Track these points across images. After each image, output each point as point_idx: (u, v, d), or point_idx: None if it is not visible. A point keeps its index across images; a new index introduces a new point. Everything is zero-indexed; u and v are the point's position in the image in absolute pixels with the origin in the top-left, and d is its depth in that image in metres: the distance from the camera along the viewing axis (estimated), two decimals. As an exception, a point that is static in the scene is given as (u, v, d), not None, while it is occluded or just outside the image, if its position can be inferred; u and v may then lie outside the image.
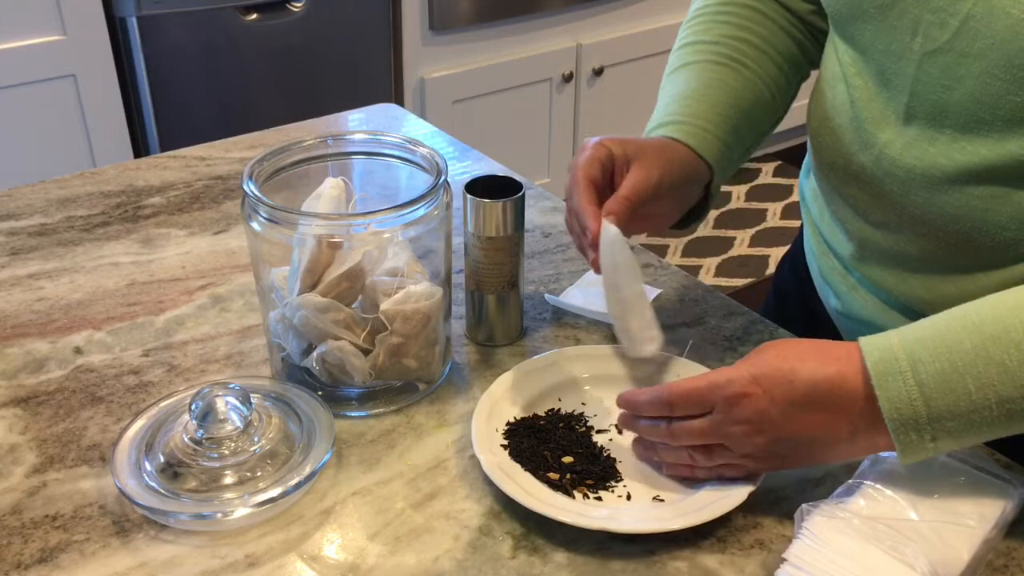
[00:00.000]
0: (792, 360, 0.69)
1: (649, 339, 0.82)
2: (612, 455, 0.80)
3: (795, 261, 1.05)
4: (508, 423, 0.82)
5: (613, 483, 0.77)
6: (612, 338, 0.95)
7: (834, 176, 0.85)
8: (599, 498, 0.76)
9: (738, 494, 0.73)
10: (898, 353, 0.67)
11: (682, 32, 0.96)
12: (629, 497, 0.76)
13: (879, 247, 0.83)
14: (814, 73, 0.95)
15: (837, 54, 0.84)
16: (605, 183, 0.81)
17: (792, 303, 1.06)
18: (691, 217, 0.91)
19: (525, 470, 0.77)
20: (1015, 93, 0.68)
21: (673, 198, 0.86)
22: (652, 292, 1.02)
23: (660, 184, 0.81)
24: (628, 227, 0.79)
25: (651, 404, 0.74)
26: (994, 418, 0.65)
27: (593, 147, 0.81)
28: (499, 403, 0.83)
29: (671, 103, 0.89)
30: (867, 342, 0.68)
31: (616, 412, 0.85)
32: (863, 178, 0.81)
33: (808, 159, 0.96)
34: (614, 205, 0.78)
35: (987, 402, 0.65)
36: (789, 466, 0.74)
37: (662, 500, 0.75)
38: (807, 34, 0.95)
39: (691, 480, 0.76)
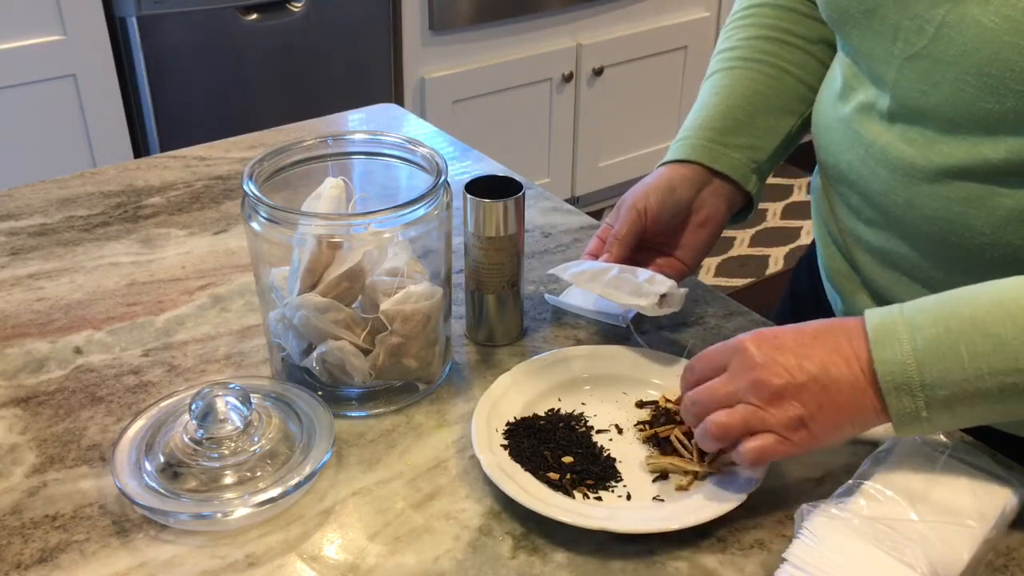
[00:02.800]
0: (791, 326, 0.72)
1: (659, 282, 0.86)
2: (612, 455, 0.80)
3: (812, 262, 1.06)
4: (508, 423, 0.82)
5: (613, 483, 0.77)
6: (612, 338, 0.95)
7: (830, 175, 0.87)
8: (599, 498, 0.76)
9: (738, 494, 0.73)
10: (897, 318, 0.68)
11: (718, 42, 1.03)
12: (629, 497, 0.76)
13: (871, 246, 0.84)
14: None
15: (837, 55, 0.86)
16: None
17: (806, 304, 1.05)
18: (744, 212, 0.99)
19: (525, 470, 0.77)
20: (986, 100, 0.69)
21: (698, 208, 0.93)
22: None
23: (656, 214, 0.90)
24: (681, 239, 0.94)
25: (683, 382, 0.76)
26: (987, 390, 0.65)
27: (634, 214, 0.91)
28: (499, 403, 0.83)
29: (687, 119, 0.98)
30: (871, 310, 0.70)
31: (616, 412, 0.85)
32: (851, 176, 0.83)
33: None
34: (614, 249, 0.90)
35: (979, 372, 0.65)
36: (810, 426, 0.69)
37: (662, 500, 0.75)
38: None
39: (727, 449, 0.72)
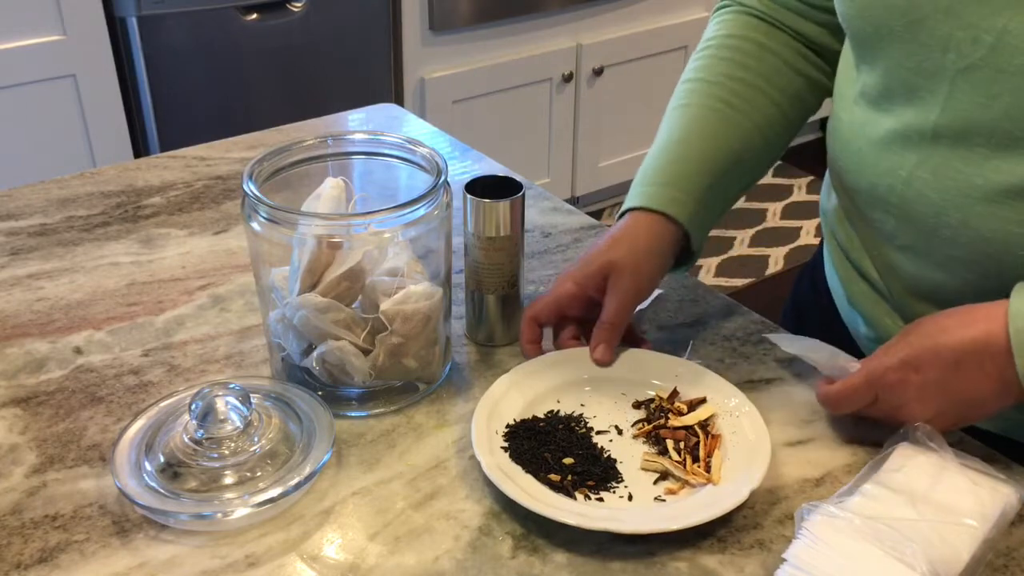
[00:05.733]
0: (935, 335, 0.73)
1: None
2: (612, 456, 0.80)
3: (815, 278, 1.03)
4: (508, 425, 0.82)
5: (614, 484, 0.77)
6: (612, 338, 0.95)
7: (858, 200, 0.84)
8: (600, 499, 0.76)
9: (738, 494, 0.73)
10: None
11: (690, 63, 0.97)
12: (630, 498, 0.76)
13: (905, 273, 0.82)
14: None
15: (859, 75, 0.82)
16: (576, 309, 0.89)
17: (810, 322, 1.03)
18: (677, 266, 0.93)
19: (526, 472, 0.77)
20: None
21: (656, 271, 0.88)
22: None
23: (639, 292, 0.87)
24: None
25: (823, 401, 0.81)
26: None
27: (556, 291, 0.88)
28: (499, 404, 0.83)
29: (659, 155, 0.91)
30: (1016, 304, 0.69)
31: (615, 413, 0.85)
32: (891, 200, 0.79)
33: (828, 179, 0.95)
34: (602, 334, 0.87)
35: None
36: (960, 424, 0.77)
37: (663, 500, 0.75)
38: (817, 63, 0.94)
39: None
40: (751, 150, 0.91)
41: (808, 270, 1.07)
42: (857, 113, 0.82)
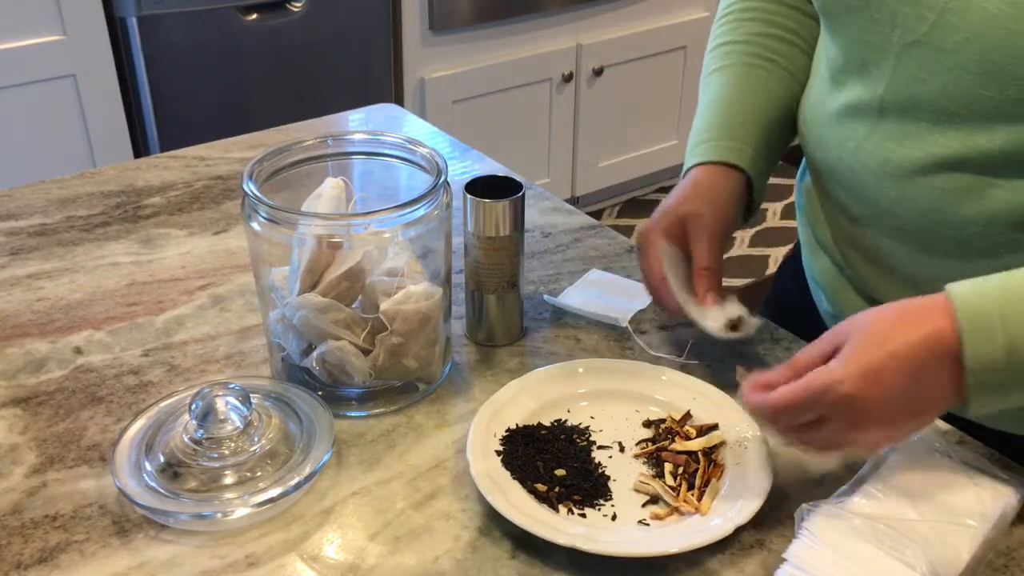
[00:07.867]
0: (886, 341, 0.65)
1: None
2: (607, 472, 0.78)
3: (796, 264, 1.05)
4: (508, 429, 0.81)
5: (601, 501, 0.76)
6: (612, 338, 0.95)
7: (818, 170, 0.87)
8: (583, 515, 0.74)
9: (723, 528, 0.71)
10: (991, 308, 0.64)
11: (713, 33, 0.98)
12: (614, 518, 0.74)
13: (859, 244, 0.84)
14: None
15: (825, 49, 0.84)
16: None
17: (790, 308, 1.05)
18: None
19: (514, 478, 0.76)
20: (986, 88, 0.68)
21: (731, 216, 0.89)
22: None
23: (724, 232, 0.86)
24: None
25: (755, 410, 0.71)
26: None
27: (650, 247, 0.86)
28: (504, 408, 0.82)
29: (708, 112, 0.93)
30: (963, 309, 0.64)
31: (623, 430, 0.83)
32: (841, 170, 0.82)
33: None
34: (704, 281, 0.85)
35: None
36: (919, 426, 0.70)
37: (647, 524, 0.74)
38: None
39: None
40: (793, 99, 0.93)
41: (790, 262, 1.09)
42: (821, 87, 0.85)
